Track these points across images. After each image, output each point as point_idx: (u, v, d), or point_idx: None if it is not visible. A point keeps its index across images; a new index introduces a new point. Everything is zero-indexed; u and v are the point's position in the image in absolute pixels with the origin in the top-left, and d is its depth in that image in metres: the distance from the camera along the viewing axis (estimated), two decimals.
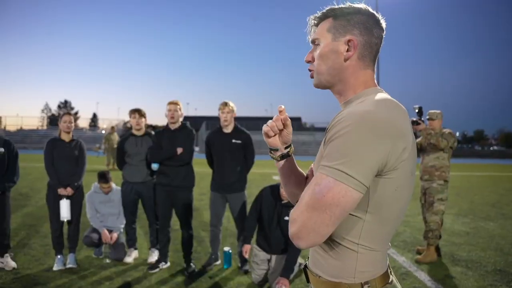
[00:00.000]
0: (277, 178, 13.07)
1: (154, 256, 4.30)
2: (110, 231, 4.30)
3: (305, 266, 1.20)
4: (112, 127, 16.61)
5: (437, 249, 4.53)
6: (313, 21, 1.17)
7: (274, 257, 3.77)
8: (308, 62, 1.17)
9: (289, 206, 3.51)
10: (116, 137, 15.24)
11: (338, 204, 0.90)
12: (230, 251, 4.21)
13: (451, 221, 6.56)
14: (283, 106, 1.18)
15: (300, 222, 0.94)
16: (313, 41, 1.16)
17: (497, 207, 8.19)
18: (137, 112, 4.28)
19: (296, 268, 3.91)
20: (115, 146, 14.73)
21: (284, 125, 1.20)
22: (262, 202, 3.79)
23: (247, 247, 3.79)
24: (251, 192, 5.97)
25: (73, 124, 4.12)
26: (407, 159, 0.97)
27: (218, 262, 4.27)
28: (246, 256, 3.80)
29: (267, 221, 3.73)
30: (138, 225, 4.73)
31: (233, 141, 4.12)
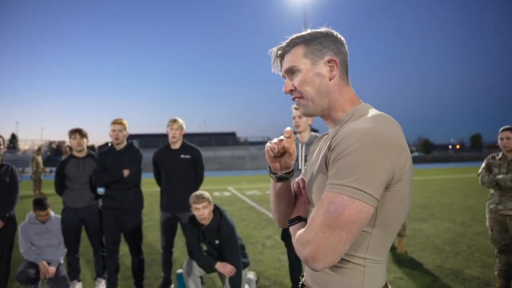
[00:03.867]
0: (217, 194, 12.95)
1: (101, 287, 3.98)
2: (48, 264, 3.89)
3: (302, 284, 1.17)
4: (39, 149, 15.27)
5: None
6: (278, 52, 1.17)
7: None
8: (290, 92, 1.16)
9: (210, 230, 3.41)
10: (40, 160, 13.93)
11: (355, 221, 0.91)
12: None
13: None
14: (289, 128, 1.12)
15: (316, 244, 0.93)
16: (289, 70, 1.14)
17: (427, 208, 8.89)
18: (78, 132, 3.97)
19: (253, 286, 3.86)
20: (40, 170, 13.62)
21: (287, 151, 1.11)
22: (191, 233, 3.53)
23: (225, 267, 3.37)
24: None
25: (2, 147, 3.72)
26: (409, 170, 1.00)
27: (172, 286, 4.07)
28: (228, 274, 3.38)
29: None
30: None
31: (182, 156, 4.01)
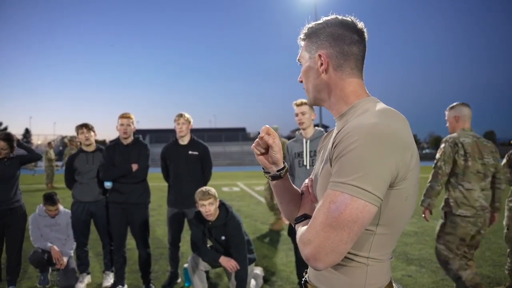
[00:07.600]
0: (226, 189, 12.99)
1: (109, 280, 4.02)
2: None
3: (305, 280, 1.16)
4: (49, 143, 15.51)
5: None
6: (300, 42, 1.19)
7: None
8: (301, 82, 1.20)
9: (216, 226, 3.40)
10: (52, 154, 14.16)
11: (357, 220, 0.88)
12: None
13: None
14: (266, 126, 1.14)
15: (317, 243, 0.90)
16: (298, 61, 1.20)
17: (437, 205, 8.77)
18: (85, 127, 3.99)
19: (260, 281, 3.86)
20: (53, 164, 13.86)
21: (269, 146, 1.15)
22: (197, 229, 3.54)
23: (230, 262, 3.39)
24: None
25: (11, 150, 3.77)
26: (414, 168, 0.96)
27: (179, 280, 4.10)
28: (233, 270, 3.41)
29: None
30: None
31: (190, 152, 4.01)
